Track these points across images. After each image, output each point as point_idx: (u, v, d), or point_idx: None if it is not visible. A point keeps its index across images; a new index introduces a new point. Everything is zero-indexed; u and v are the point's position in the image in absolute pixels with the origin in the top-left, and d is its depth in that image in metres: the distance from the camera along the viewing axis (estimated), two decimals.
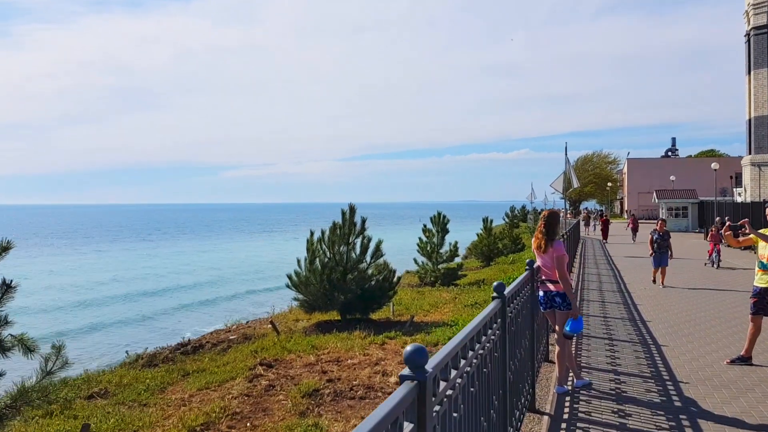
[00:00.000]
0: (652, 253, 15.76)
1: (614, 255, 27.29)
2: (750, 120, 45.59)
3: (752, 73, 44.83)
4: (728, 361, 8.17)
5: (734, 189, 58.07)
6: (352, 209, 13.70)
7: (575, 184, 33.38)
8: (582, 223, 57.50)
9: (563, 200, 35.08)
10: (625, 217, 42.37)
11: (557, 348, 7.23)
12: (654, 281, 16.05)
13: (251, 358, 10.51)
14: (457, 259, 25.65)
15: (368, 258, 14.00)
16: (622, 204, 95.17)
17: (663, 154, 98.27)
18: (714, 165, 45.90)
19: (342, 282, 13.05)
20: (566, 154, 33.86)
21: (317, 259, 13.53)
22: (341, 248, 13.55)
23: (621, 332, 10.18)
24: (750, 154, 45.44)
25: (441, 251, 22.84)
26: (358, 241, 13.84)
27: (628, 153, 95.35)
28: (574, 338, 8.84)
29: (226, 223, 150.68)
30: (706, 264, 21.68)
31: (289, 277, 13.46)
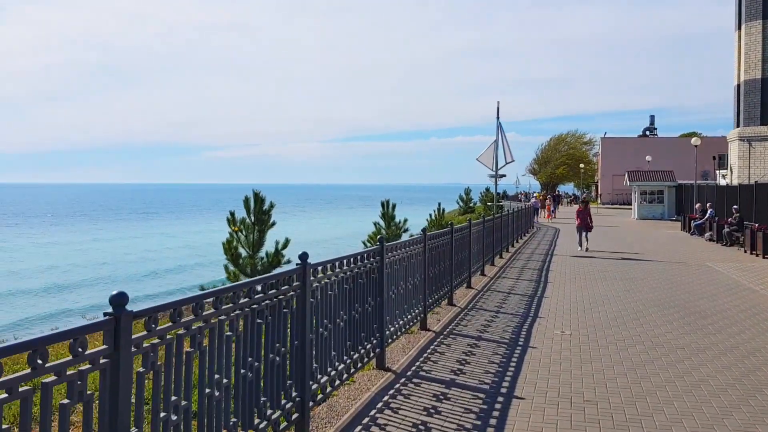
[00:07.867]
0: None
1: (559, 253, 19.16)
2: (739, 86, 37.37)
3: (743, 26, 36.52)
4: None
5: (717, 171, 50.19)
6: None
7: (508, 158, 25.05)
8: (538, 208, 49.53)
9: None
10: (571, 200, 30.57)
11: None
12: None
13: None
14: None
15: None
16: (597, 187, 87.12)
17: (641, 133, 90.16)
18: (694, 140, 37.77)
19: None
20: (498, 119, 25.57)
21: None
22: None
23: None
24: (738, 126, 37.33)
25: (259, 254, 14.50)
26: None
27: (605, 133, 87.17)
28: None
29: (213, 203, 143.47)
30: None
31: None
